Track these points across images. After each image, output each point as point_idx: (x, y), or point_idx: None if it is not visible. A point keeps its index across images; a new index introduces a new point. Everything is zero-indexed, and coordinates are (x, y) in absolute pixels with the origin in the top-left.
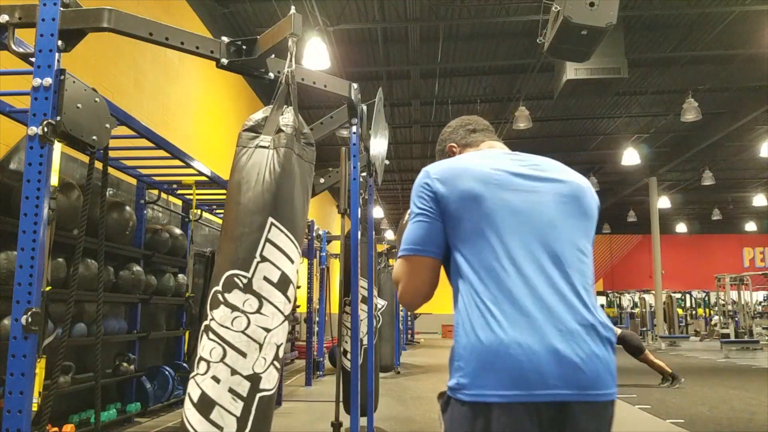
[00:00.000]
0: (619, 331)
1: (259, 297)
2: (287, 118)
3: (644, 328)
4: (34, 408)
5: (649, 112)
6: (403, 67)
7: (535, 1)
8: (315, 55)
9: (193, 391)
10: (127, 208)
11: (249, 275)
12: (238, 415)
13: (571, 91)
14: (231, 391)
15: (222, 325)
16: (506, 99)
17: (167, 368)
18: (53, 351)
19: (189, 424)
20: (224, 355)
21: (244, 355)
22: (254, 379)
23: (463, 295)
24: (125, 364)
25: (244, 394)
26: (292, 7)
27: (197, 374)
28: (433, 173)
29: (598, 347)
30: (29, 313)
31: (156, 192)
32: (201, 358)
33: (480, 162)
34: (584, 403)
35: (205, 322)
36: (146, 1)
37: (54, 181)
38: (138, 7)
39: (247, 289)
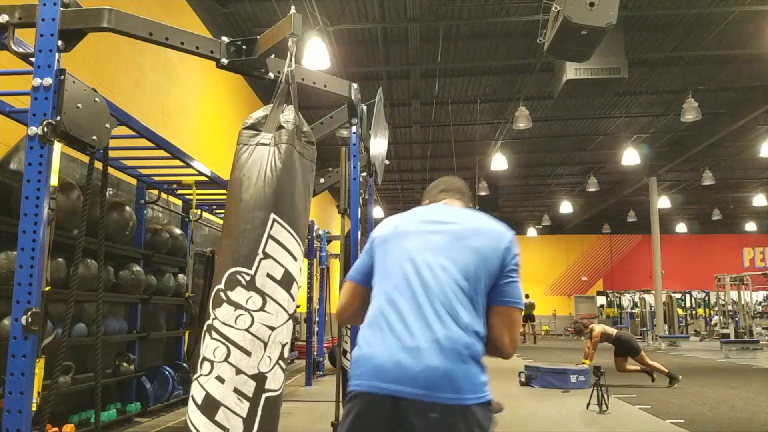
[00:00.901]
0: (614, 331)
1: (263, 294)
2: (288, 115)
3: (644, 328)
4: (34, 408)
5: (649, 112)
6: (403, 67)
7: (535, 1)
8: (315, 55)
9: (197, 392)
10: (127, 208)
11: (252, 272)
12: (244, 416)
13: (571, 91)
14: (236, 391)
15: (225, 324)
16: (506, 99)
17: (167, 368)
18: (53, 351)
19: (193, 426)
20: (228, 355)
21: (248, 353)
22: (260, 378)
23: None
24: (125, 364)
25: (250, 394)
26: (292, 7)
27: (201, 375)
28: (379, 225)
29: (439, 360)
30: (29, 313)
31: (156, 192)
32: (204, 359)
33: (408, 214)
34: (417, 401)
35: (208, 322)
36: (146, 1)
37: (54, 181)
38: (138, 7)
39: (250, 286)
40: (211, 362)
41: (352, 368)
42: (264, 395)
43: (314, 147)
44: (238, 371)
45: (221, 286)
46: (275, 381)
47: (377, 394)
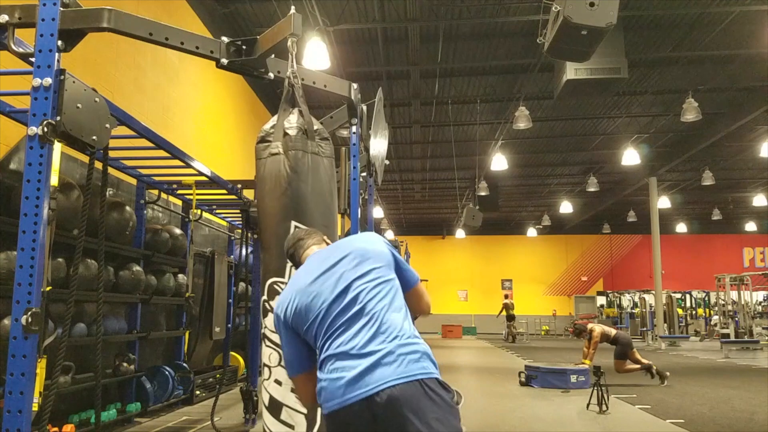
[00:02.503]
0: (613, 331)
1: None
2: (291, 120)
3: (644, 328)
4: (35, 408)
5: (649, 112)
6: (403, 67)
7: (535, 1)
8: (315, 55)
9: (264, 395)
10: (127, 208)
11: (285, 280)
12: (306, 412)
13: (571, 91)
14: (294, 390)
15: (273, 331)
16: (506, 99)
17: (167, 368)
18: (53, 351)
19: (266, 426)
20: (281, 359)
21: None
22: None
23: None
24: (125, 364)
25: None
26: (292, 7)
27: (264, 380)
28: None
29: None
30: (29, 313)
31: (156, 192)
32: (264, 365)
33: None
34: None
35: (261, 331)
36: (146, 1)
37: (54, 181)
38: (138, 7)
39: None
40: (269, 367)
41: None
42: None
43: (329, 142)
44: None
45: (265, 296)
46: None
47: None
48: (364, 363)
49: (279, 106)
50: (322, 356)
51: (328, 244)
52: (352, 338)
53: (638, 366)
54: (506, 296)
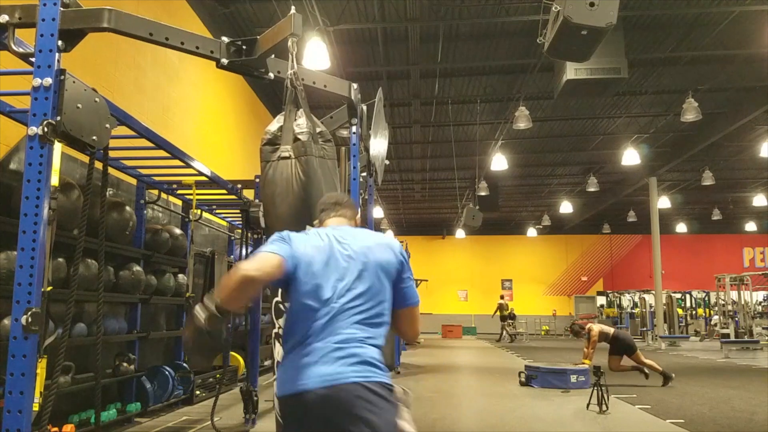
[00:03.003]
0: (611, 330)
1: None
2: (301, 124)
3: (644, 328)
4: (35, 408)
5: (649, 112)
6: (403, 67)
7: (535, 1)
8: (315, 55)
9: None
10: (127, 208)
11: None
12: None
13: (571, 91)
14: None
15: None
16: (506, 99)
17: (167, 368)
18: (53, 351)
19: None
20: None
21: None
22: None
23: None
24: (125, 364)
25: None
26: (292, 7)
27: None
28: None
29: None
30: (29, 313)
31: (156, 192)
32: (277, 363)
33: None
34: None
35: (275, 330)
36: (146, 1)
37: (54, 181)
38: (138, 7)
39: None
40: None
41: None
42: None
43: (332, 143)
44: None
45: (278, 298)
46: None
47: None
48: (310, 359)
49: (282, 106)
50: (290, 335)
51: (356, 223)
52: (315, 331)
53: (632, 364)
54: (501, 296)
